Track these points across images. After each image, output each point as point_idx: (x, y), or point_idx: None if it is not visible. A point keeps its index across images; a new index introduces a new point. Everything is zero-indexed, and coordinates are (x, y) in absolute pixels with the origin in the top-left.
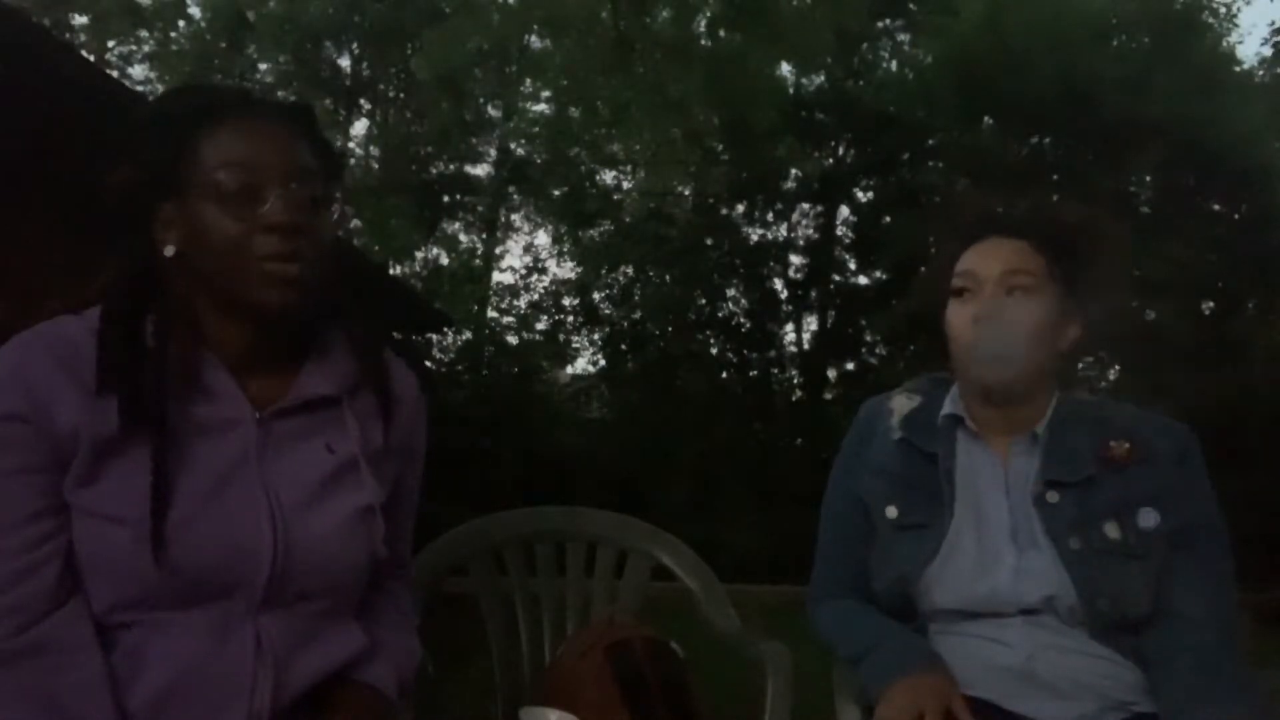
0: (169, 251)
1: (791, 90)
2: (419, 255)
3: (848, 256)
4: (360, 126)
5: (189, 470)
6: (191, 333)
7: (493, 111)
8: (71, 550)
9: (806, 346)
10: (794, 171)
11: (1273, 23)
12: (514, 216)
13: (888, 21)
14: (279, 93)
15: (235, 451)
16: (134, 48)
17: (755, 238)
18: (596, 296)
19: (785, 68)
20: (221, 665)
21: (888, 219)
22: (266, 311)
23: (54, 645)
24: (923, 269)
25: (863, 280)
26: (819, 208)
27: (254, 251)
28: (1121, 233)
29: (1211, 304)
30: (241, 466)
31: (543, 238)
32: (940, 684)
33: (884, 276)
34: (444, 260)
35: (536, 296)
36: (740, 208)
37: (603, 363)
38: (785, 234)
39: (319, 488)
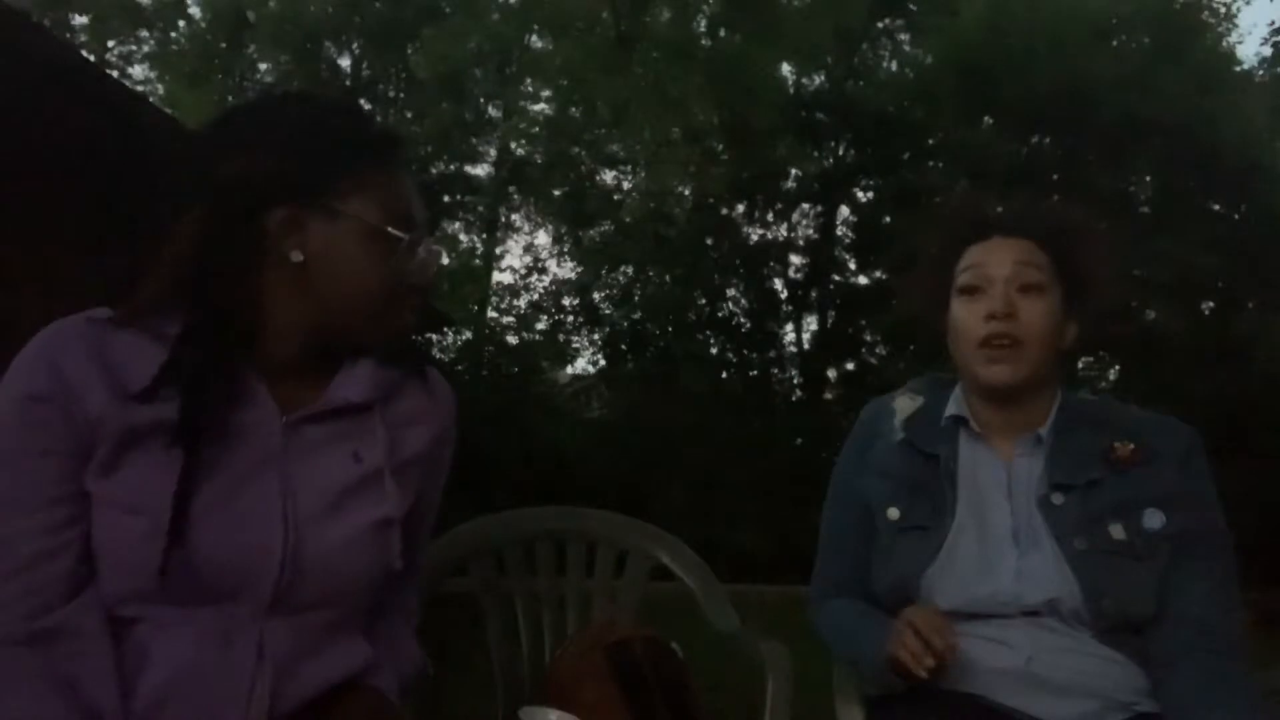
0: (296, 257)
1: (791, 90)
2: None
3: (848, 256)
4: None
5: (209, 469)
6: (240, 334)
7: (493, 111)
8: (87, 540)
9: (806, 346)
10: (794, 171)
11: (1273, 23)
12: (514, 216)
13: (888, 21)
14: None
15: (258, 454)
16: (134, 48)
17: (755, 238)
18: (596, 296)
19: (785, 68)
20: (222, 668)
21: (888, 219)
22: (377, 344)
23: (71, 632)
24: (911, 271)
25: (863, 280)
26: (819, 208)
27: (400, 302)
28: (1111, 232)
29: (1211, 304)
30: (262, 469)
31: (543, 238)
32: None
33: (884, 276)
34: (444, 260)
35: (536, 296)
36: (740, 208)
37: (603, 363)
38: (785, 234)
39: (339, 496)
